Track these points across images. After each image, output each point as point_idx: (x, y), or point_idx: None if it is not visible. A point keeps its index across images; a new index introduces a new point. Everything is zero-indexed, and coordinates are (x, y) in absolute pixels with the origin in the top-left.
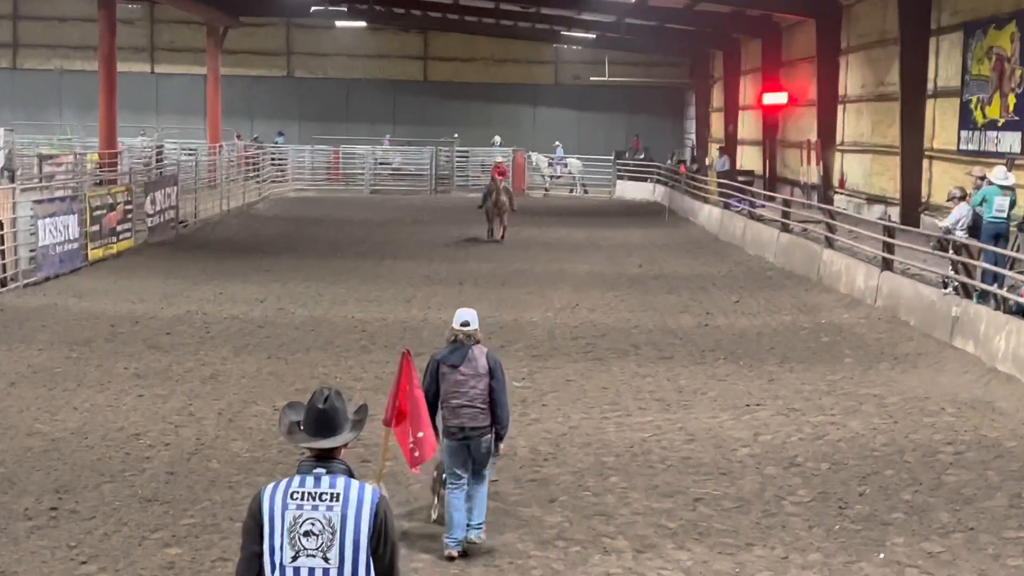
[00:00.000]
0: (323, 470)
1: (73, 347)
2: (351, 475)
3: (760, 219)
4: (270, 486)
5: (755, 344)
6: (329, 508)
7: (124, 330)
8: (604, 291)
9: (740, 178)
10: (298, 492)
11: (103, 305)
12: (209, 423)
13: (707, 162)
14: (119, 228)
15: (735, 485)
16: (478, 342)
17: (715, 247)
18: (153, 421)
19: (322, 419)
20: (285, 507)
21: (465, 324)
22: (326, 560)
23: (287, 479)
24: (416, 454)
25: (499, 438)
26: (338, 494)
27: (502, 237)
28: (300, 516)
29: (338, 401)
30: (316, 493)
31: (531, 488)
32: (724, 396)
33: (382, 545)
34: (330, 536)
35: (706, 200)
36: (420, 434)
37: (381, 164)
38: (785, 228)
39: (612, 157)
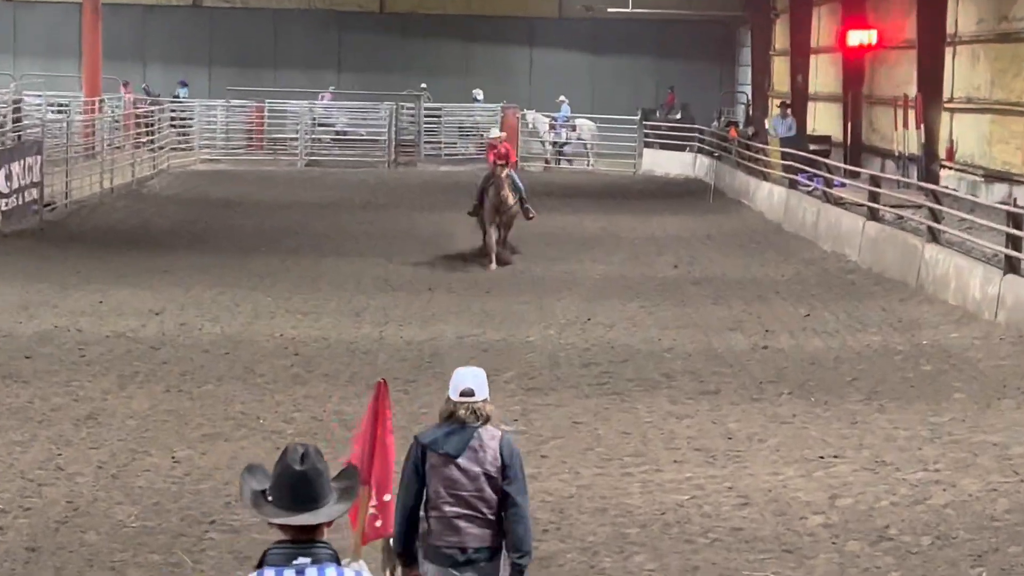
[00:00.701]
0: (307, 559)
1: None
2: (338, 562)
3: (839, 203)
4: None
5: (832, 374)
6: None
7: None
8: (626, 301)
9: (812, 147)
10: None
11: None
12: (84, 480)
13: (767, 125)
14: None
15: (804, 567)
16: (487, 420)
17: (777, 240)
18: (7, 478)
19: (301, 486)
20: None
21: (468, 394)
22: None
23: (253, 573)
24: (378, 524)
25: (517, 571)
26: None
27: (506, 261)
28: None
29: (319, 461)
30: None
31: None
32: (789, 445)
33: None
34: None
35: (765, 177)
36: (387, 496)
37: (321, 126)
38: (873, 215)
39: (637, 118)
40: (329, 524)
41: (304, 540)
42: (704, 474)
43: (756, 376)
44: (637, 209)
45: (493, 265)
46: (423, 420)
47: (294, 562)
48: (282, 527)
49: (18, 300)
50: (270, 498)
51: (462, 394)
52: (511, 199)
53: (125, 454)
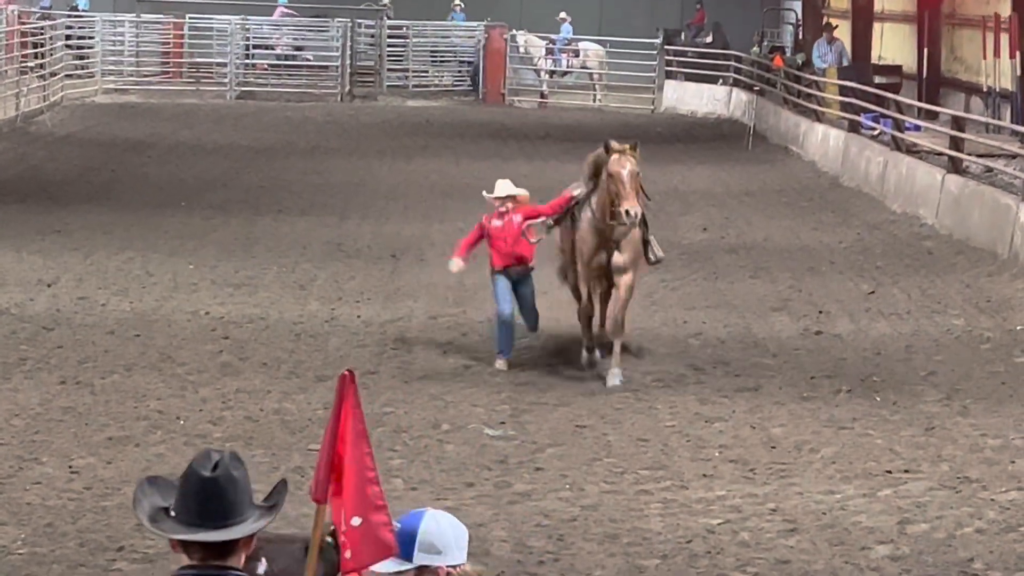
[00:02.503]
0: None
1: None
2: None
3: (912, 151)
4: None
5: (902, 367)
6: None
7: None
8: (643, 273)
9: (877, 79)
10: None
11: None
12: None
13: (819, 52)
14: None
15: None
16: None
17: (833, 198)
18: None
19: (210, 496)
20: None
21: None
22: None
23: None
24: (347, 554)
25: None
26: None
27: (620, 349)
28: None
29: (236, 469)
30: None
31: None
32: (848, 456)
33: None
34: None
35: (819, 117)
36: (356, 521)
37: (257, 48)
38: (955, 167)
39: (657, 42)
40: (248, 546)
41: (214, 566)
42: (741, 492)
43: (807, 369)
44: (656, 157)
45: (596, 355)
46: (386, 422)
47: None
48: (187, 548)
49: None
50: (173, 513)
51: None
52: (625, 263)
53: (10, 462)
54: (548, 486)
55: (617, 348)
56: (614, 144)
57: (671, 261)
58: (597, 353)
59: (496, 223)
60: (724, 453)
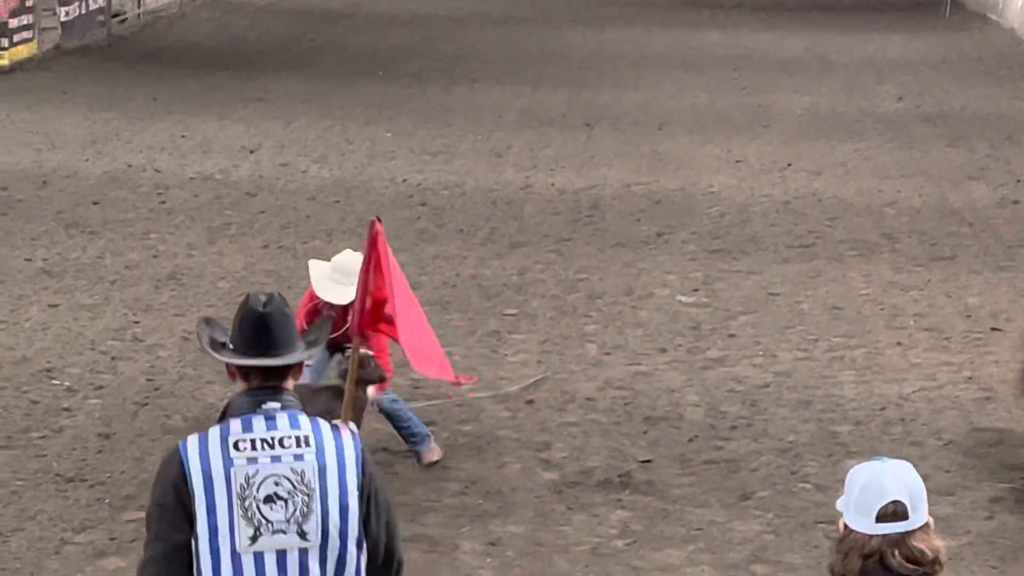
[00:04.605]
0: (276, 404)
1: None
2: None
3: None
4: (191, 439)
5: None
6: (298, 458)
7: (24, 196)
8: (836, 142)
9: None
10: (245, 440)
11: None
12: (167, 354)
13: None
14: (13, 25)
15: None
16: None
17: None
18: (74, 349)
19: (264, 329)
20: (229, 464)
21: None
22: (303, 536)
23: (216, 427)
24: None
25: None
26: (307, 437)
27: None
28: (255, 474)
29: (285, 307)
30: (275, 439)
31: (709, 475)
32: None
33: (374, 514)
34: (305, 499)
35: None
36: (411, 345)
37: None
38: None
39: None
40: (297, 374)
41: (271, 388)
42: (935, 360)
43: (1004, 238)
44: (851, 24)
45: None
46: (580, 289)
47: (263, 407)
48: (245, 377)
49: (83, 133)
50: (231, 345)
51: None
52: None
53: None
54: (741, 352)
55: None
56: None
57: (865, 130)
58: None
59: None
60: (919, 321)
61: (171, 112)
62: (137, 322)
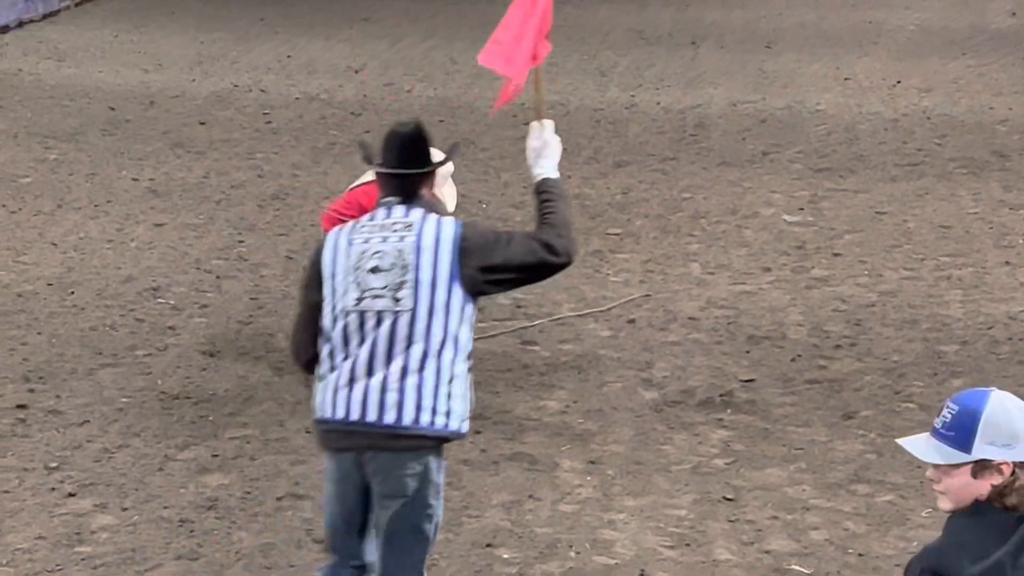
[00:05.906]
0: (395, 200)
1: (49, 143)
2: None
3: None
4: (336, 228)
5: None
6: (400, 239)
7: (131, 116)
8: (947, 59)
9: None
10: (365, 226)
11: (96, 74)
12: (271, 273)
13: None
14: None
15: None
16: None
17: None
18: (179, 268)
19: (406, 144)
20: (350, 243)
21: None
22: (396, 301)
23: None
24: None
25: None
26: (410, 224)
27: None
28: (367, 251)
29: (426, 131)
30: (386, 224)
31: (812, 395)
32: None
33: (500, 262)
34: (400, 272)
35: None
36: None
37: None
38: None
39: None
40: (431, 185)
41: (405, 193)
42: None
43: None
44: None
45: None
46: (684, 207)
47: (387, 201)
48: (385, 184)
49: (190, 53)
50: (379, 162)
51: None
52: None
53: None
54: (846, 271)
55: None
56: None
57: (977, 46)
58: None
59: None
60: None
61: (277, 32)
62: (242, 241)
